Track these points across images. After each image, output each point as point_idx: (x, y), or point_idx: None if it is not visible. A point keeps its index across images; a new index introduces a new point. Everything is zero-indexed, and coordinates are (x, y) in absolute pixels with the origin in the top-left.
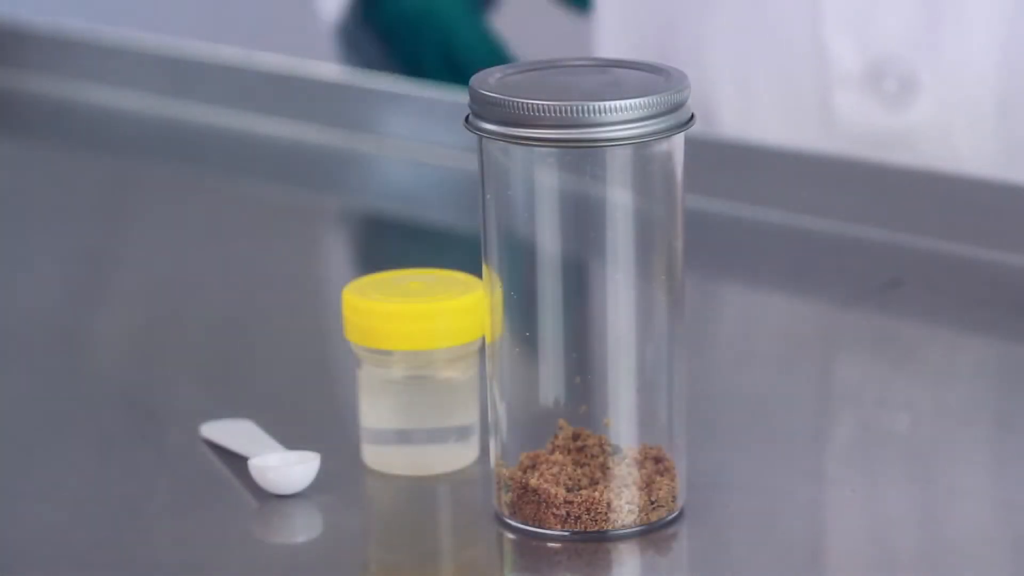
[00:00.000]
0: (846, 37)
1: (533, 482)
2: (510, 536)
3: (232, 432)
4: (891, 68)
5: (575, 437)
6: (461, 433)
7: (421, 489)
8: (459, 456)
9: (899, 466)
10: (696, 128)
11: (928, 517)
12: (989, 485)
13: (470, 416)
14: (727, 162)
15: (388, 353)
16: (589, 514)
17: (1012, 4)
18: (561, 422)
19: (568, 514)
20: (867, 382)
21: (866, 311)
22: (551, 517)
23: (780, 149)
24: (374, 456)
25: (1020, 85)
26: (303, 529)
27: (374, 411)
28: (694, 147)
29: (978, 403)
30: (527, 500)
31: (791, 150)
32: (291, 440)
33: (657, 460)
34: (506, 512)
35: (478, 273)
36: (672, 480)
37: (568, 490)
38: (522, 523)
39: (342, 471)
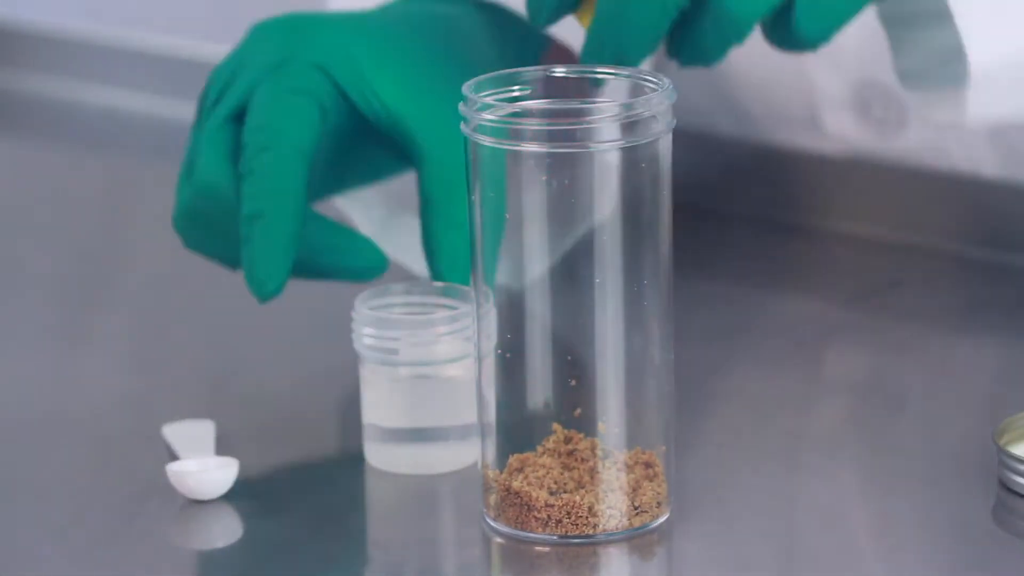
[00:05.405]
0: (829, 64)
1: (516, 485)
2: (498, 540)
3: (186, 434)
4: (878, 95)
5: (567, 440)
6: (464, 432)
7: (423, 488)
8: (462, 455)
9: (897, 468)
10: (694, 127)
11: (926, 518)
12: (986, 485)
13: (474, 416)
14: (726, 161)
15: (393, 351)
16: (570, 518)
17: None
18: (555, 426)
19: (550, 517)
20: (865, 383)
21: (866, 311)
22: (533, 520)
23: (779, 147)
24: (377, 454)
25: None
26: (303, 529)
27: (377, 409)
28: (692, 145)
29: (977, 404)
30: (510, 503)
31: (789, 148)
32: (291, 439)
33: (647, 465)
34: (491, 515)
35: None
36: (659, 485)
37: (551, 493)
38: (505, 526)
39: (343, 470)
